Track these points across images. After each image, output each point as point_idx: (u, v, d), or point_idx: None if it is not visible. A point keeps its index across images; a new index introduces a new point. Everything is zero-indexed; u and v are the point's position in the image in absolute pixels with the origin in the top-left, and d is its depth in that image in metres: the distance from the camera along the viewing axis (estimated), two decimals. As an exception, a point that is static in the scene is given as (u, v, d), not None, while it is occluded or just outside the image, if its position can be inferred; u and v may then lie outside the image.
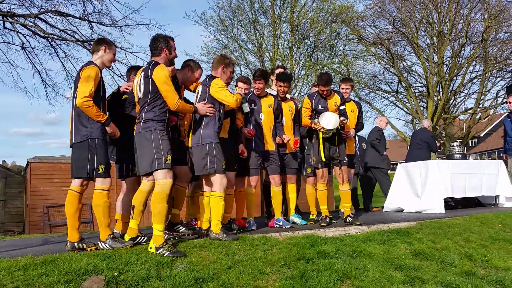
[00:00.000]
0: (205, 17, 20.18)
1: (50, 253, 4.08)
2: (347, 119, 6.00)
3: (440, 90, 21.63)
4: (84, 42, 13.89)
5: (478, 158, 42.37)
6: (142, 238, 4.55)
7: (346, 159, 5.99)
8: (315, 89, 6.80)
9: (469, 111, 22.70)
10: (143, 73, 4.36)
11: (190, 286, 3.56)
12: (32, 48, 14.61)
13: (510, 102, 8.95)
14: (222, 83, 4.85)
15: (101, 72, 4.42)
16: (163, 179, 4.22)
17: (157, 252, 4.07)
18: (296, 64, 17.48)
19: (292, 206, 6.03)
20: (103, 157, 4.30)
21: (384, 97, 23.86)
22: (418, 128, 10.65)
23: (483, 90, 22.05)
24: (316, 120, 5.73)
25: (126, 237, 4.50)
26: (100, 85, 4.37)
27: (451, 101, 22.93)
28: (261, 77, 5.74)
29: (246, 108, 5.56)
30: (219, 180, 4.73)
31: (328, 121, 5.63)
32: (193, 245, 4.47)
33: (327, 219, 5.87)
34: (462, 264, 4.72)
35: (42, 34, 14.05)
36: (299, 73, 17.43)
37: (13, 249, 4.83)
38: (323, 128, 5.62)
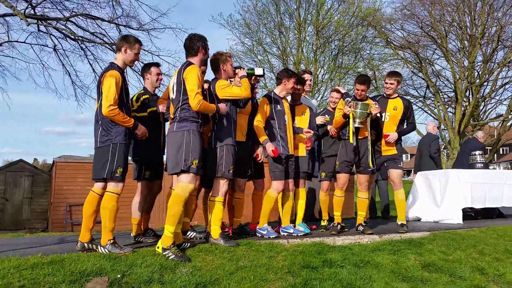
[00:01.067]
0: (231, 20, 20.33)
1: (60, 253, 4.21)
2: (381, 127, 5.92)
3: (470, 95, 21.08)
4: (112, 45, 14.19)
5: (510, 166, 41.10)
6: (186, 244, 4.59)
7: (372, 167, 5.81)
8: (334, 94, 6.65)
9: (500, 117, 22.04)
10: (177, 73, 4.43)
11: (191, 291, 3.60)
12: (63, 50, 15.07)
13: None
14: (224, 82, 4.85)
15: (122, 74, 4.46)
16: (185, 182, 4.26)
17: (163, 253, 4.12)
18: (320, 67, 17.37)
19: (300, 214, 5.82)
20: (122, 161, 4.36)
21: (412, 102, 23.41)
22: (471, 137, 10.59)
23: (516, 97, 21.36)
24: (349, 99, 5.64)
25: (163, 242, 4.29)
26: (122, 88, 4.41)
27: (481, 107, 22.35)
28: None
29: (259, 71, 5.21)
30: (221, 185, 4.74)
31: (360, 104, 5.52)
32: (198, 249, 4.51)
33: (338, 227, 5.80)
34: (472, 278, 4.61)
35: (72, 37, 14.44)
36: (322, 77, 17.32)
37: (28, 247, 4.99)
38: (355, 111, 5.49)
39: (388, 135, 5.96)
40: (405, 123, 6.26)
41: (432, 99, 21.95)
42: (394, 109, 6.05)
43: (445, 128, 20.91)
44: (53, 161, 14.80)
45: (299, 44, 16.60)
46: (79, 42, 14.72)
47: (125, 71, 4.61)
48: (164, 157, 5.25)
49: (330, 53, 16.93)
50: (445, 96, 22.66)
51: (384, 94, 6.25)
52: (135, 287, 3.60)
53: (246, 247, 4.67)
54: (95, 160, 4.43)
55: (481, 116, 22.63)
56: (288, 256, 4.56)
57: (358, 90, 5.71)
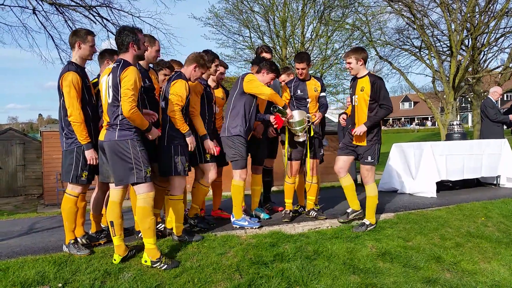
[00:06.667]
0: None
1: (8, 258, 4.24)
2: (324, 111, 5.68)
3: (471, 46, 20.38)
4: (89, 9, 13.68)
5: None
6: (132, 252, 4.34)
7: (322, 151, 5.77)
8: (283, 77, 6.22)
9: (495, 70, 21.49)
10: (111, 75, 3.96)
11: (130, 300, 3.62)
12: (45, 11, 14.55)
13: None
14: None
15: (82, 71, 4.31)
16: (145, 193, 4.07)
17: (153, 266, 4.05)
18: (308, 25, 16.63)
19: (256, 199, 5.80)
20: (86, 163, 4.29)
21: (409, 52, 22.85)
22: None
23: (516, 45, 20.71)
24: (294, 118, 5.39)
25: (117, 257, 4.15)
26: (83, 88, 4.25)
27: (481, 56, 21.71)
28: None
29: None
30: (178, 183, 4.62)
31: (296, 123, 5.37)
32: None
33: (290, 214, 5.63)
34: (427, 267, 4.59)
35: (48, 1, 13.94)
36: (311, 35, 16.67)
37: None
38: (295, 129, 5.42)
39: (354, 129, 5.23)
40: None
41: (427, 52, 21.30)
42: (361, 90, 5.21)
43: (439, 79, 20.40)
44: (40, 131, 14.81)
45: (285, 1, 15.83)
46: (56, 6, 14.24)
47: (85, 67, 4.43)
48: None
49: (317, 9, 16.13)
50: (444, 45, 21.98)
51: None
52: (75, 297, 3.62)
53: (199, 243, 4.65)
54: (62, 162, 4.41)
55: (482, 65, 22.05)
56: (239, 251, 4.53)
57: (298, 69, 5.47)
